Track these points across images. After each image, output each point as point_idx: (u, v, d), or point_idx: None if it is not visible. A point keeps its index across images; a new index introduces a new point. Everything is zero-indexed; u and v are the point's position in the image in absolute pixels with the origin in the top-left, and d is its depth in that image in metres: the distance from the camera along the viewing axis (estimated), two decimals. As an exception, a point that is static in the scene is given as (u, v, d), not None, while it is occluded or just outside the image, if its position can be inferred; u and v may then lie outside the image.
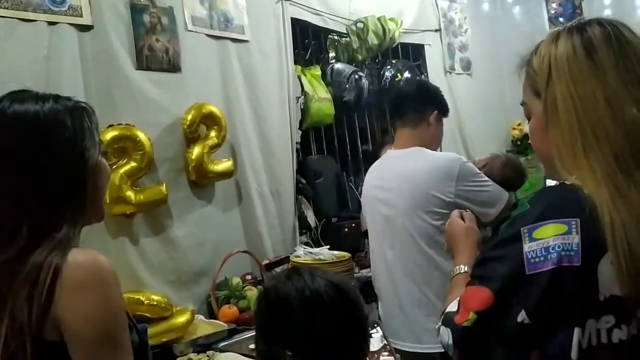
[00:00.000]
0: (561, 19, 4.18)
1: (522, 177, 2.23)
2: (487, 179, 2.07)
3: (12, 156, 0.95)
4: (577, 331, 0.83)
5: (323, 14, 3.39)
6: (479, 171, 2.08)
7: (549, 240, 0.83)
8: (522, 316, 0.83)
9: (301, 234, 3.08)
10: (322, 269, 1.11)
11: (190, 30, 2.57)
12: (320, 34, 3.49)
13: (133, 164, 2.21)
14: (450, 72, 4.15)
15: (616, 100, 0.84)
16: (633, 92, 0.84)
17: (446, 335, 0.91)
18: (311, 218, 3.13)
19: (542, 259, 0.82)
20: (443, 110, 2.29)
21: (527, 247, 0.84)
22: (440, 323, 0.96)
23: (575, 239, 0.82)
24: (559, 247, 0.82)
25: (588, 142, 0.85)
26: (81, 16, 2.21)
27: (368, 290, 2.56)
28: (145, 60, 2.39)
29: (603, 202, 0.81)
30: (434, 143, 2.26)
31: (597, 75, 0.86)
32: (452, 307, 0.94)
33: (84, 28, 2.21)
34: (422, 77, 3.95)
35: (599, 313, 0.83)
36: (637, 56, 0.87)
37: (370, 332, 1.34)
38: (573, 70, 0.87)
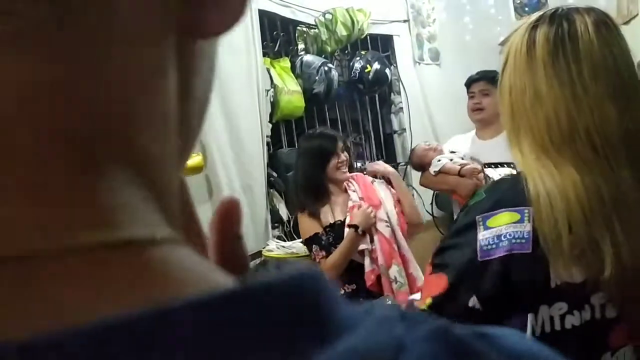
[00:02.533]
0: (527, 9, 4.22)
1: (413, 161, 2.96)
2: None
3: None
4: (530, 317, 0.85)
5: (291, 5, 3.37)
6: None
7: (502, 228, 0.85)
8: (473, 301, 0.86)
9: (273, 228, 3.07)
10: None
11: (155, 23, 2.52)
12: (289, 25, 3.46)
13: (99, 160, 2.16)
14: (419, 63, 4.17)
15: (540, 98, 0.88)
16: (557, 92, 0.87)
17: None
18: (283, 212, 3.11)
19: (493, 246, 0.85)
20: None
21: (480, 235, 0.87)
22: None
23: (527, 227, 0.84)
24: (510, 235, 0.85)
25: (516, 128, 0.92)
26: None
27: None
28: (109, 54, 2.33)
29: (529, 176, 0.86)
30: None
31: (530, 71, 0.90)
32: (417, 296, 0.99)
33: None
34: (392, 68, 3.96)
35: (551, 300, 0.85)
36: (576, 55, 0.87)
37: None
38: (516, 63, 0.93)
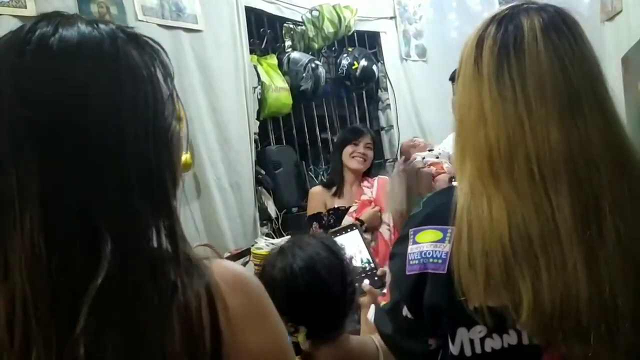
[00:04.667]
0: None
1: (402, 155, 2.88)
2: None
3: (75, 117, 0.56)
4: (448, 338, 0.84)
5: (277, 2, 3.36)
6: None
7: (424, 245, 0.85)
8: (405, 311, 0.89)
9: (262, 225, 3.07)
10: (308, 242, 1.28)
11: (140, 20, 2.50)
12: (276, 22, 3.45)
13: (86, 159, 2.14)
14: (406, 60, 4.18)
15: (484, 117, 0.81)
16: (499, 113, 0.79)
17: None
18: (271, 209, 3.11)
19: (416, 262, 0.85)
20: None
21: (409, 249, 0.87)
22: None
23: (446, 247, 0.82)
24: (429, 253, 0.84)
25: (462, 142, 0.85)
26: (25, 7, 2.12)
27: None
28: (95, 52, 2.32)
29: (461, 196, 0.81)
30: None
31: (477, 86, 0.82)
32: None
33: (28, 20, 2.11)
34: (379, 64, 3.97)
35: (469, 322, 0.82)
36: (521, 72, 0.79)
37: None
38: (464, 73, 0.85)
